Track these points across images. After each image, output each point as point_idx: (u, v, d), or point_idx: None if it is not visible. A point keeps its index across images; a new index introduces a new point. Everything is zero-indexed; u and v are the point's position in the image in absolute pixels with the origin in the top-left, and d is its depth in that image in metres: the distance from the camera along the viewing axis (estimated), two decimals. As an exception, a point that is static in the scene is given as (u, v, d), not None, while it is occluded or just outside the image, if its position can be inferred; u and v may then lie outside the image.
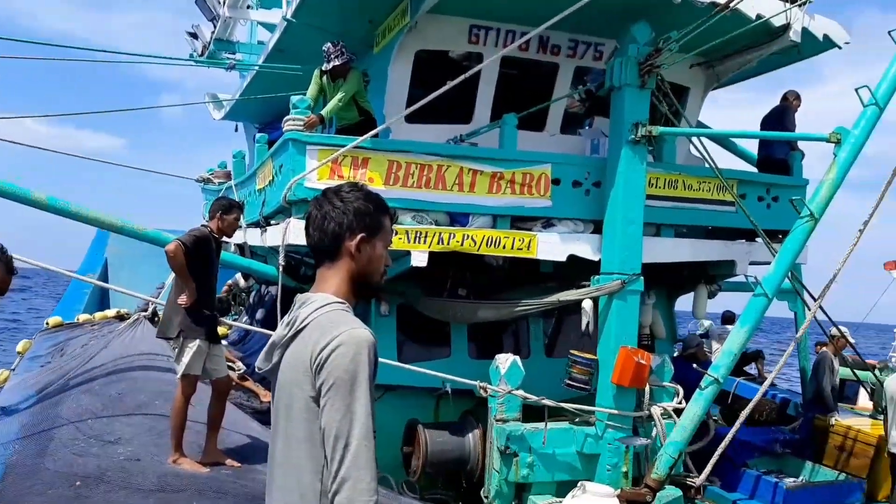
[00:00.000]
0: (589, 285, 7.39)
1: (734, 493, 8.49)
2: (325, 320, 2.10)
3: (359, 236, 2.21)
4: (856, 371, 10.07)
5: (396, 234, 6.84)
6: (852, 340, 10.36)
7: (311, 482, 2.05)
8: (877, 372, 9.92)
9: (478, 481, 7.33)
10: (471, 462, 7.38)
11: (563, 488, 6.83)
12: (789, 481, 8.46)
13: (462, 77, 6.51)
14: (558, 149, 8.26)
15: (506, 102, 8.02)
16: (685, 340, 10.25)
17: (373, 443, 1.99)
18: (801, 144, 9.09)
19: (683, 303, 9.56)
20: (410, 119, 7.44)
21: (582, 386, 7.26)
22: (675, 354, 10.35)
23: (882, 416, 8.44)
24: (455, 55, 8.13)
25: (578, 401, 7.39)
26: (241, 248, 9.68)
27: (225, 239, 6.03)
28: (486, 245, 7.23)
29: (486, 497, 7.12)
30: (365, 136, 6.73)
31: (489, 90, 8.10)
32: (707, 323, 11.57)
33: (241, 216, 6.09)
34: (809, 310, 9.09)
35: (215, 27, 13.56)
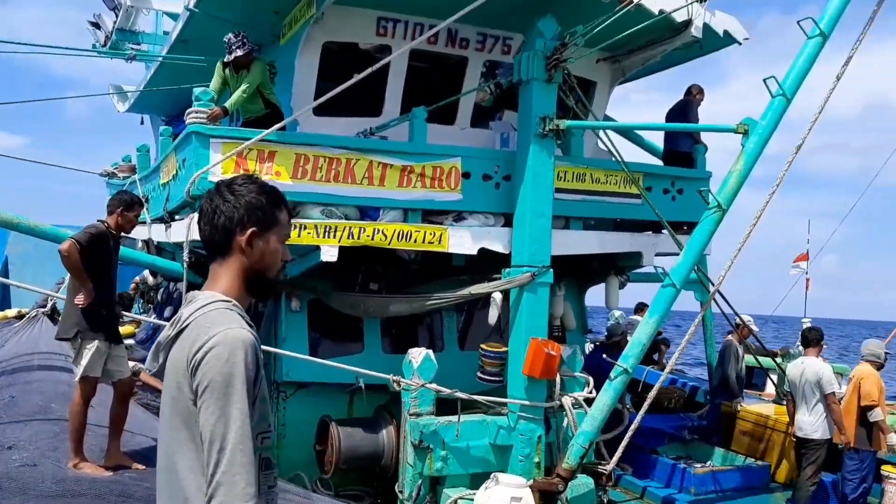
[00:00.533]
0: (500, 278, 7.44)
1: (645, 480, 8.71)
2: (204, 320, 2.01)
3: (249, 231, 2.12)
4: (758, 358, 10.47)
5: (305, 228, 6.72)
6: (755, 329, 10.78)
7: (196, 486, 1.96)
8: (778, 359, 10.32)
9: (392, 476, 7.28)
10: (385, 457, 7.33)
11: (476, 480, 6.85)
12: (697, 467, 8.74)
13: (369, 70, 6.41)
14: (469, 142, 8.28)
15: (416, 95, 7.99)
16: (609, 329, 10.42)
17: (250, 446, 1.90)
18: (704, 138, 9.38)
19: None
20: (319, 112, 7.32)
21: (494, 378, 7.31)
22: (598, 343, 10.57)
23: (785, 402, 8.80)
24: (364, 47, 8.04)
25: (493, 392, 7.44)
26: (148, 245, 9.35)
27: (133, 234, 5.81)
28: (398, 239, 7.17)
29: (401, 492, 7.07)
30: (271, 129, 6.57)
31: (398, 83, 8.05)
32: (617, 313, 11.82)
33: (142, 212, 5.87)
34: (714, 300, 9.45)
35: (117, 16, 13.03)
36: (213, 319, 2.01)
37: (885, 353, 8.36)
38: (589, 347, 10.51)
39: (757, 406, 9.98)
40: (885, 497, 7.85)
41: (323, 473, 7.29)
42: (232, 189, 2.15)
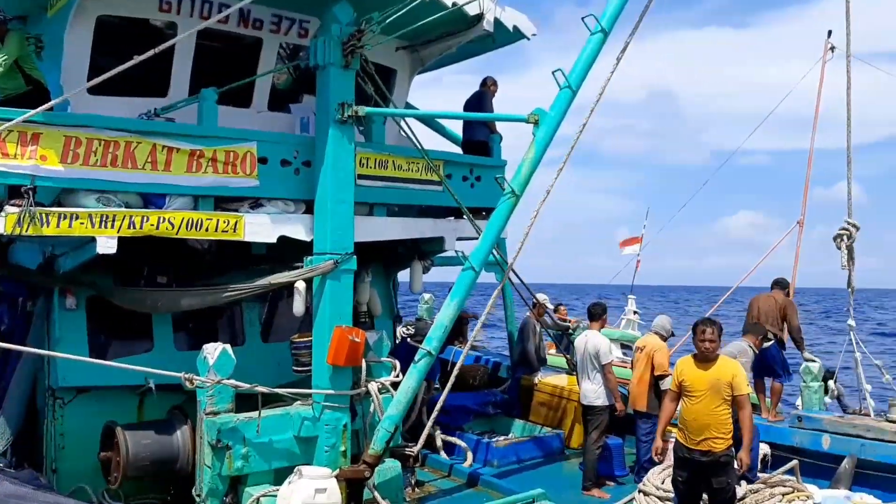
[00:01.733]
0: (302, 266, 7.25)
1: (452, 457, 8.93)
2: None
3: None
4: (550, 332, 11.08)
5: (78, 217, 6.11)
6: (550, 307, 11.42)
7: None
8: (570, 332, 10.98)
9: (189, 479, 6.90)
10: (180, 461, 6.92)
11: (281, 476, 6.64)
12: (499, 440, 9.11)
13: (150, 53, 5.88)
14: (267, 126, 7.97)
15: (206, 76, 7.55)
16: (417, 327, 10.51)
17: None
18: (502, 128, 9.71)
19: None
20: (95, 91, 6.66)
21: (309, 370, 7.15)
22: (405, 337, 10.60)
23: (575, 372, 9.36)
24: (147, 22, 7.46)
25: (299, 384, 7.26)
26: None
27: None
28: (187, 228, 6.75)
29: (199, 495, 6.71)
30: (38, 110, 5.90)
31: (186, 62, 7.57)
32: (427, 296, 12.06)
33: None
34: (511, 282, 9.85)
35: None
36: None
37: (672, 328, 9.14)
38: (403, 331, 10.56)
39: (553, 378, 10.56)
40: (665, 455, 8.62)
41: (109, 484, 6.74)
42: None
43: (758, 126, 15.97)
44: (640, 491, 7.30)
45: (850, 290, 9.09)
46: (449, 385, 7.13)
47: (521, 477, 8.32)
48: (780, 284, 10.24)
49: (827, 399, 10.45)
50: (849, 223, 9.03)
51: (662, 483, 7.07)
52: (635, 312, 15.68)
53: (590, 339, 8.46)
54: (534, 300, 10.64)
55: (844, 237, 8.99)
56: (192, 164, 6.81)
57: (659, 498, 6.99)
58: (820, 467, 7.94)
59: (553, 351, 12.41)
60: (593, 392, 8.27)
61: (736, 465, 6.06)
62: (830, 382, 10.39)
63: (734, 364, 6.15)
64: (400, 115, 8.19)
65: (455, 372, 7.08)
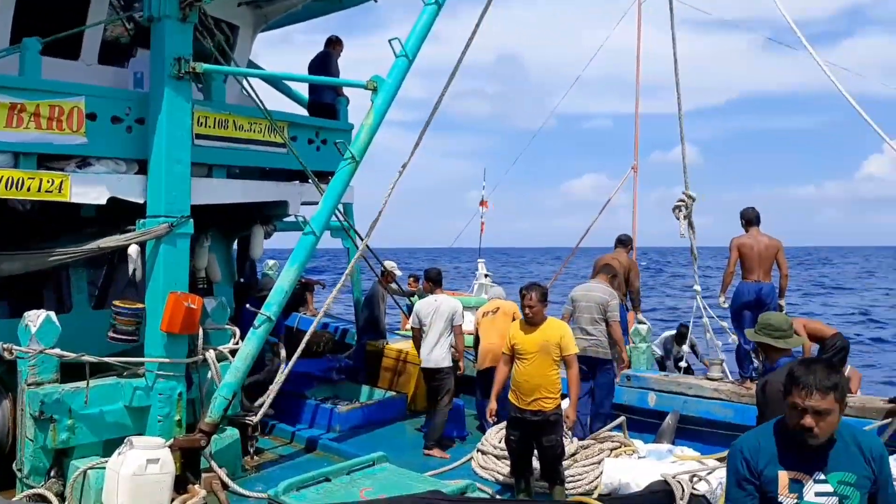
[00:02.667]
0: (135, 229, 6.92)
1: (295, 424, 8.92)
2: None
3: None
4: (396, 299, 11.24)
5: None
6: (398, 274, 11.56)
7: None
8: (414, 298, 11.19)
9: (10, 454, 6.50)
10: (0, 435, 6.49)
11: (111, 447, 6.39)
12: (342, 405, 9.18)
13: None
14: (97, 81, 7.49)
15: (30, 25, 6.98)
16: (261, 283, 10.31)
17: None
18: (350, 91, 9.63)
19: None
20: None
21: (128, 338, 6.84)
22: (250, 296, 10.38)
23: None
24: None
25: (131, 353, 6.97)
26: None
27: None
28: (6, 187, 6.27)
29: (20, 470, 6.34)
30: None
31: (7, 10, 6.95)
32: (271, 262, 11.86)
33: None
34: (357, 248, 9.87)
35: None
36: None
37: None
38: None
39: (398, 343, 10.74)
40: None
41: None
42: None
43: (571, 86, 16.53)
44: (478, 450, 7.62)
45: (693, 257, 9.68)
46: (297, 354, 7.15)
47: (363, 441, 8.42)
48: (624, 243, 10.50)
49: (685, 348, 11.45)
50: (686, 195, 9.43)
51: (500, 442, 7.40)
52: (486, 276, 16.01)
53: (444, 302, 8.48)
54: (382, 267, 10.74)
55: (682, 208, 9.37)
56: (11, 118, 6.31)
57: (496, 456, 7.32)
58: (647, 423, 8.39)
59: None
60: (440, 355, 8.38)
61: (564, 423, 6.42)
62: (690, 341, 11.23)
63: (561, 325, 6.48)
64: (240, 73, 7.96)
65: (305, 340, 7.09)
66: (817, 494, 2.74)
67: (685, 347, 11.58)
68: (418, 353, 8.58)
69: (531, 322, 6.33)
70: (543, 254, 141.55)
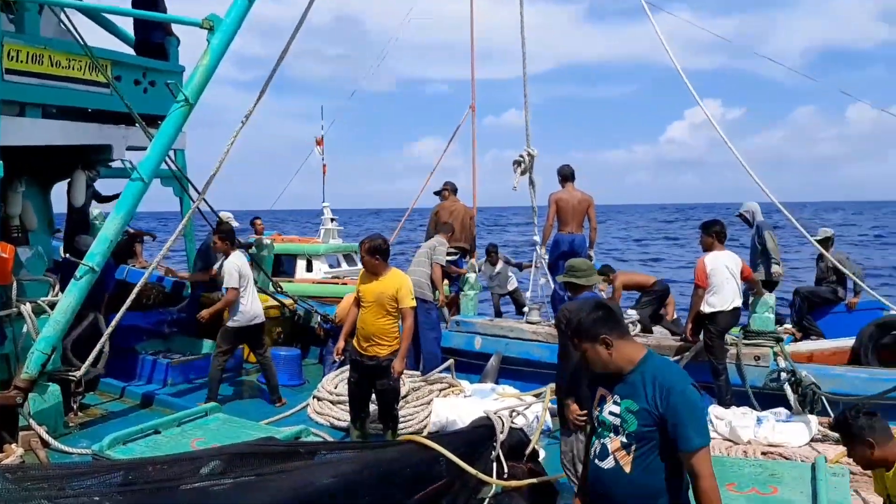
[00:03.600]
0: (-68, 171, 6.30)
1: (125, 379, 8.58)
2: None
3: None
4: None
5: None
6: (237, 225, 11.23)
7: None
8: (253, 250, 10.97)
9: None
10: None
11: None
12: (175, 358, 8.92)
13: None
14: None
15: None
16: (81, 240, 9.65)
17: None
18: (181, 32, 9.13)
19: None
20: None
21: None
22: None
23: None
24: None
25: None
26: None
27: None
28: None
29: None
30: None
31: None
32: (96, 212, 11.14)
33: None
34: (193, 200, 9.50)
35: None
36: None
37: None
38: None
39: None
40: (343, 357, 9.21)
41: None
42: None
43: (385, 52, 16.70)
44: (314, 396, 7.69)
45: (533, 210, 10.07)
46: (126, 306, 6.86)
47: (197, 394, 8.27)
48: (454, 190, 10.67)
49: (500, 266, 12.40)
50: (527, 151, 9.74)
51: (336, 388, 7.52)
52: (332, 220, 15.81)
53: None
54: (218, 219, 10.39)
55: (521, 163, 9.70)
56: None
57: (331, 402, 7.44)
58: (474, 365, 8.85)
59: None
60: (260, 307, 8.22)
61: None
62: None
63: (400, 279, 6.51)
64: (56, 3, 7.33)
65: (135, 293, 6.81)
66: (609, 413, 3.05)
67: (500, 266, 12.29)
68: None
69: (372, 272, 6.42)
70: (391, 214, 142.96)
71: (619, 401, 3.03)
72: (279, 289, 10.19)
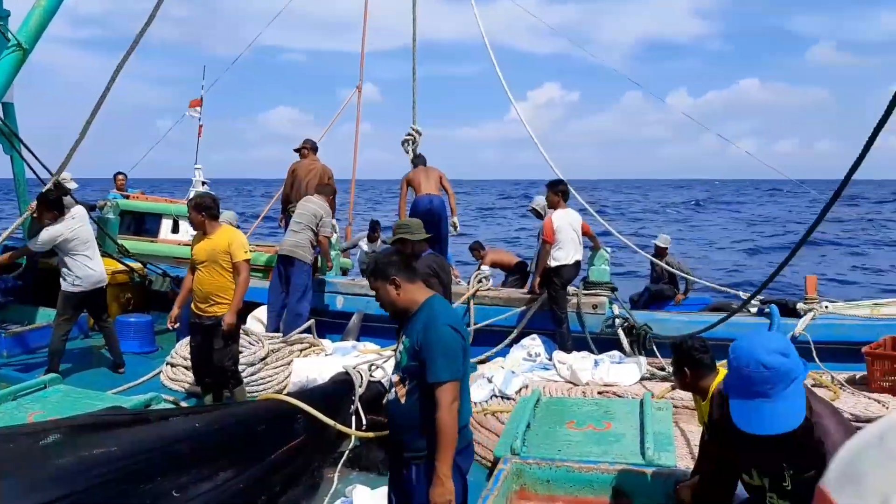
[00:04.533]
0: None
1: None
2: None
3: None
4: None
5: None
6: (74, 186, 10.56)
7: None
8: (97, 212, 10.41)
9: None
10: None
11: None
12: (11, 328, 8.38)
13: None
14: None
15: None
16: None
17: None
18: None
19: None
20: None
21: None
22: None
23: None
24: None
25: None
26: None
27: None
28: None
29: None
30: None
31: None
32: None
33: None
34: (21, 155, 8.83)
35: None
36: None
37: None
38: None
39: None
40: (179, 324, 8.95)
41: None
42: None
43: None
44: (167, 363, 7.47)
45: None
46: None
47: (39, 367, 7.79)
48: (314, 149, 10.15)
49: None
50: (413, 129, 10.33)
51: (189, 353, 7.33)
52: (204, 183, 15.07)
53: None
54: (55, 179, 9.70)
55: (410, 142, 10.31)
56: None
57: (185, 367, 7.25)
58: (336, 324, 8.81)
59: None
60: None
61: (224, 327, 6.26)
62: None
63: (231, 234, 6.35)
64: None
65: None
66: (399, 351, 3.34)
67: (378, 244, 12.48)
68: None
69: (201, 229, 6.29)
70: (245, 184, 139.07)
71: (404, 339, 3.29)
72: (126, 252, 9.70)
